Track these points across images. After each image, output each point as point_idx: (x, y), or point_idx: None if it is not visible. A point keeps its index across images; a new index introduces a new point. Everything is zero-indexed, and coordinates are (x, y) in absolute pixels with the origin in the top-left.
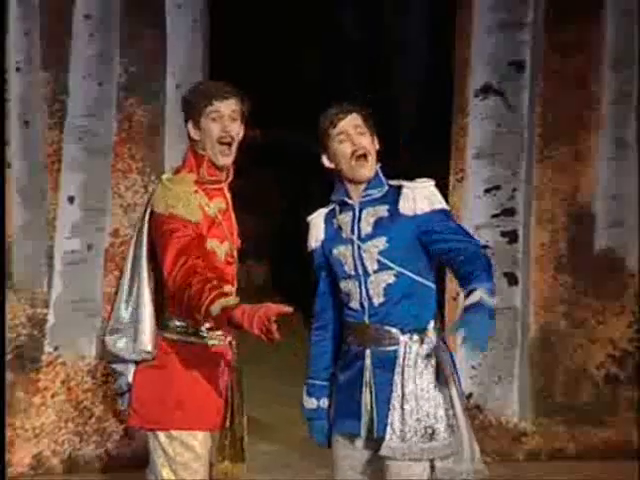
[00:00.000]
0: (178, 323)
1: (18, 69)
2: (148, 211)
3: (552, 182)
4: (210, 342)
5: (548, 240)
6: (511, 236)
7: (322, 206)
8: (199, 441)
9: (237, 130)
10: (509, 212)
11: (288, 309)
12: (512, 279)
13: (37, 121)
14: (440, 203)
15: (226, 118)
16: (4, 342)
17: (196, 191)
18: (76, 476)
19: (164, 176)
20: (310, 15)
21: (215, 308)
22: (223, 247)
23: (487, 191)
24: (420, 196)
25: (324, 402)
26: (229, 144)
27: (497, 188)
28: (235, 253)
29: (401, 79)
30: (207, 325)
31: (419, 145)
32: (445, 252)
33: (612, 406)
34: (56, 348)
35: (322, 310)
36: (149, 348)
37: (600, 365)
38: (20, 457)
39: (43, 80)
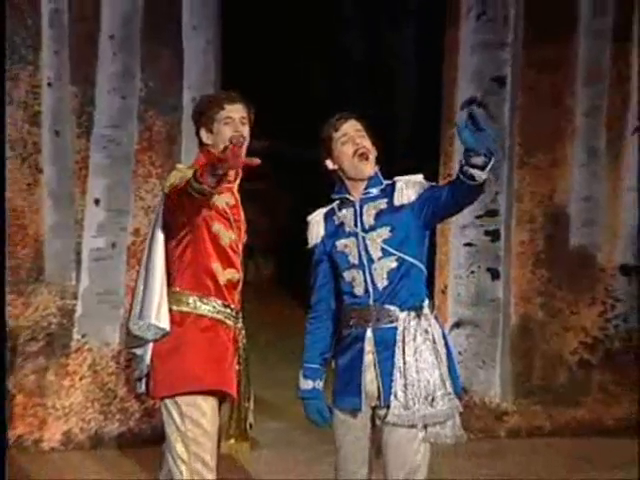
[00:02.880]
0: (190, 298)
1: (50, 84)
2: (162, 203)
3: (531, 186)
4: (219, 316)
5: (527, 238)
6: (494, 235)
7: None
8: (207, 419)
9: (246, 133)
10: (492, 213)
11: (256, 161)
12: (495, 274)
13: (66, 131)
14: (428, 183)
15: (237, 121)
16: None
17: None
18: (101, 451)
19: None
20: (315, 36)
21: (198, 172)
22: (228, 234)
23: None
24: (412, 185)
25: (319, 383)
26: (240, 145)
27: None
28: (240, 246)
29: (397, 95)
30: (219, 301)
31: (413, 153)
32: (444, 190)
33: (584, 388)
34: (83, 336)
35: (318, 302)
36: (163, 325)
37: (574, 351)
38: (52, 434)
39: (72, 94)
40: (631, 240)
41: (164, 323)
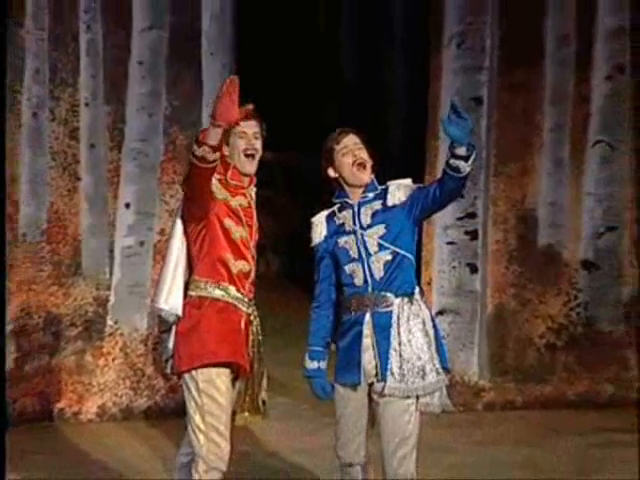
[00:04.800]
0: (206, 285)
1: (87, 104)
2: (181, 204)
3: (505, 192)
4: (231, 300)
5: (501, 238)
6: (472, 234)
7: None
8: (221, 394)
9: (259, 146)
10: (471, 215)
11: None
12: (473, 269)
13: (101, 144)
14: (416, 185)
15: (250, 135)
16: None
17: (220, 181)
18: (131, 422)
19: None
20: (317, 64)
21: (199, 136)
22: (238, 230)
23: None
24: (402, 188)
25: (322, 364)
26: (253, 156)
27: (461, 196)
28: (252, 243)
29: (388, 112)
30: (233, 288)
31: (403, 163)
32: (432, 187)
33: (551, 367)
34: (116, 322)
35: (321, 293)
36: (167, 307)
37: (541, 335)
38: (88, 407)
39: (106, 112)
40: (591, 239)
41: (173, 307)
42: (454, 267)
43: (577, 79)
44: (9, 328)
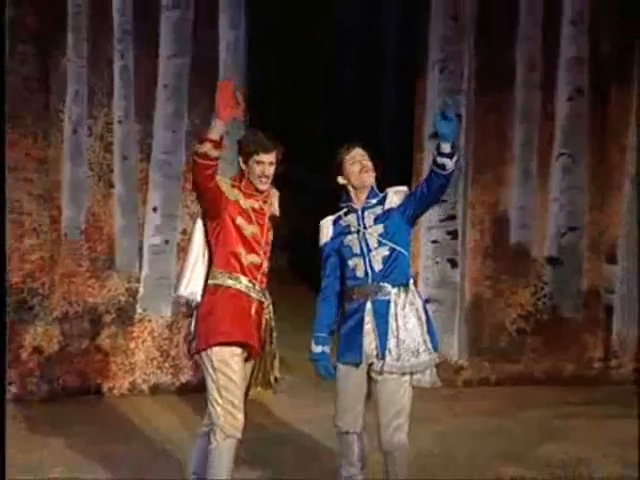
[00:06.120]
0: (222, 274)
1: (120, 122)
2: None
3: (481, 197)
4: (243, 289)
5: (478, 237)
6: (453, 234)
7: (320, 214)
8: (234, 371)
9: (272, 172)
10: (451, 218)
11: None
12: (454, 263)
13: (132, 156)
14: (410, 191)
15: (266, 164)
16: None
17: (234, 186)
18: (158, 397)
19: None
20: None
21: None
22: (249, 227)
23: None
24: (398, 193)
25: (326, 348)
26: (265, 180)
27: (444, 201)
28: (264, 239)
29: (380, 127)
30: (244, 278)
31: (394, 171)
32: (419, 186)
33: (520, 349)
34: (144, 310)
35: (326, 286)
36: (186, 294)
37: (513, 321)
38: (120, 383)
39: (136, 129)
40: (555, 238)
41: (191, 294)
42: (437, 262)
43: (543, 100)
44: (54, 315)
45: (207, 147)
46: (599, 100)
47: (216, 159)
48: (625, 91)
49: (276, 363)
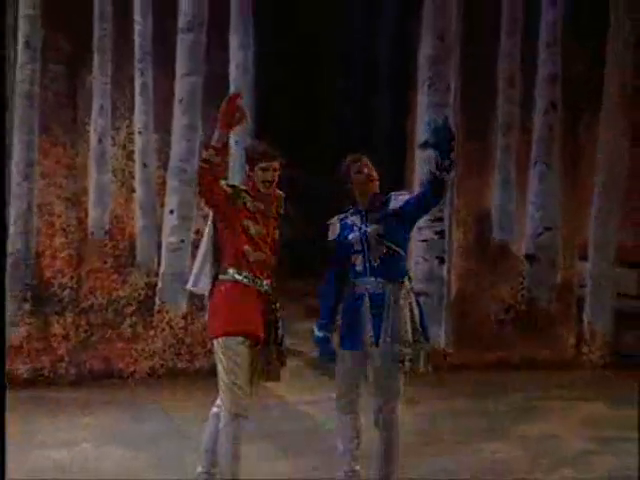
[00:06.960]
0: (230, 270)
1: (140, 132)
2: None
3: (465, 201)
4: (249, 283)
5: (463, 237)
6: (440, 234)
7: (323, 214)
8: (240, 357)
9: (275, 178)
10: (439, 219)
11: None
12: (441, 260)
13: (151, 164)
14: (409, 196)
15: (270, 172)
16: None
17: (242, 190)
18: (175, 380)
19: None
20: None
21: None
22: (255, 227)
23: None
24: (400, 197)
25: (328, 333)
26: (270, 182)
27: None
28: (269, 239)
29: (374, 137)
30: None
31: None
32: (419, 193)
33: (501, 338)
34: (162, 302)
35: (330, 279)
36: (194, 288)
37: (494, 313)
38: (141, 368)
39: (155, 140)
40: (532, 238)
41: (200, 288)
42: (426, 259)
43: (522, 115)
44: (81, 307)
45: (209, 153)
46: (570, 114)
47: (218, 164)
48: (594, 106)
49: (283, 348)
